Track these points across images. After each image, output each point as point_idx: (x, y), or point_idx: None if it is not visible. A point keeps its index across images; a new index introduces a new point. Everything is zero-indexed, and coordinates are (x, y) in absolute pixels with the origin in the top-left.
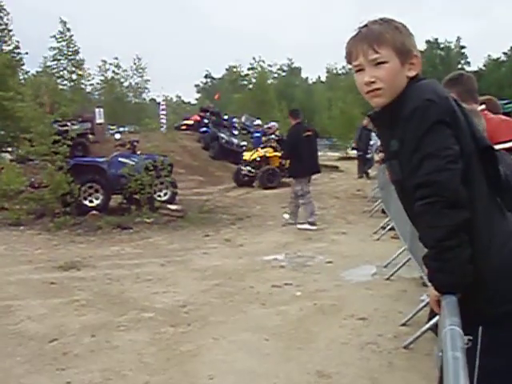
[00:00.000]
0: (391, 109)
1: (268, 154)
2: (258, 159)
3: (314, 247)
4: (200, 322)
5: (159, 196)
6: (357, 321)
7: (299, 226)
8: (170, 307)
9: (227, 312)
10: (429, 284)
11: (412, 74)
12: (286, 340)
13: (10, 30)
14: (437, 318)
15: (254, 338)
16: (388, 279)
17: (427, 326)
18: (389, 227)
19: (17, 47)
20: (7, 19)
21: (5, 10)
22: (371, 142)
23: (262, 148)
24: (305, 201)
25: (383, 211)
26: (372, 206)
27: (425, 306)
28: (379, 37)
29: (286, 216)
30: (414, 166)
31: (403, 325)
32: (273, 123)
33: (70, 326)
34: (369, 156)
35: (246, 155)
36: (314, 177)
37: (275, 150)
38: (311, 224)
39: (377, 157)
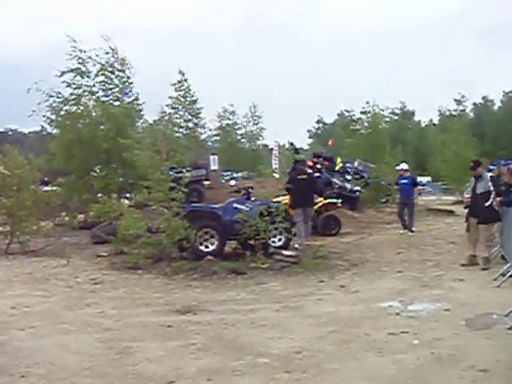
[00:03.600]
0: None
1: None
2: None
3: (431, 294)
4: (315, 369)
5: (273, 242)
6: (477, 372)
7: (296, 245)
8: (285, 353)
9: (342, 359)
10: None
11: None
12: None
13: (131, 83)
14: None
15: None
16: (510, 329)
17: None
18: (509, 274)
19: (136, 98)
20: (129, 72)
21: (127, 64)
22: None
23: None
24: (295, 228)
25: (503, 257)
26: (490, 251)
27: None
28: None
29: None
30: None
31: None
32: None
33: (186, 369)
34: None
35: None
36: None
37: None
38: (299, 244)
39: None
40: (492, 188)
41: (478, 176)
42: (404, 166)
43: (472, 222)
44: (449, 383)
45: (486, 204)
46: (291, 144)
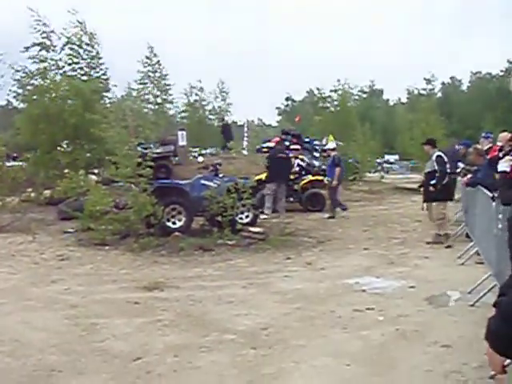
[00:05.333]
0: None
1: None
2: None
3: (397, 271)
4: (281, 345)
5: (241, 218)
6: (440, 348)
7: (262, 216)
8: (252, 329)
9: (308, 336)
10: None
11: None
12: (368, 366)
13: (100, 58)
14: None
15: (334, 362)
16: (473, 305)
17: None
18: (473, 252)
19: (104, 73)
20: (98, 47)
21: (96, 38)
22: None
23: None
24: (266, 199)
25: (467, 235)
26: (455, 230)
27: None
28: None
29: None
30: None
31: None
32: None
33: (153, 346)
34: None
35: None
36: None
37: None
38: (266, 214)
39: (462, 180)
40: (437, 167)
41: (428, 155)
42: (330, 144)
43: None
44: (413, 358)
45: (431, 182)
46: (222, 120)
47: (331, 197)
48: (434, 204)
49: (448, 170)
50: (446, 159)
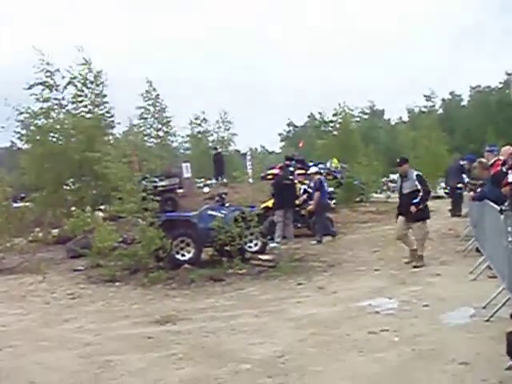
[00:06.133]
0: None
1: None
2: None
3: (409, 291)
4: (298, 372)
5: (250, 247)
6: (458, 366)
7: (271, 245)
8: (267, 358)
9: (325, 361)
10: None
11: None
12: None
13: (105, 96)
14: None
15: None
16: (488, 321)
17: None
18: (484, 266)
19: (108, 111)
20: (102, 85)
21: (101, 77)
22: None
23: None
24: (277, 227)
25: (477, 250)
26: (465, 245)
27: None
28: None
29: (276, 241)
30: None
31: (509, 369)
32: None
33: (169, 380)
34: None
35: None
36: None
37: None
38: (276, 242)
39: (468, 194)
40: (420, 186)
41: (404, 175)
42: (312, 169)
43: (400, 219)
44: (431, 378)
45: (414, 201)
46: (215, 148)
47: (318, 221)
48: (418, 224)
49: (430, 189)
50: (424, 177)
